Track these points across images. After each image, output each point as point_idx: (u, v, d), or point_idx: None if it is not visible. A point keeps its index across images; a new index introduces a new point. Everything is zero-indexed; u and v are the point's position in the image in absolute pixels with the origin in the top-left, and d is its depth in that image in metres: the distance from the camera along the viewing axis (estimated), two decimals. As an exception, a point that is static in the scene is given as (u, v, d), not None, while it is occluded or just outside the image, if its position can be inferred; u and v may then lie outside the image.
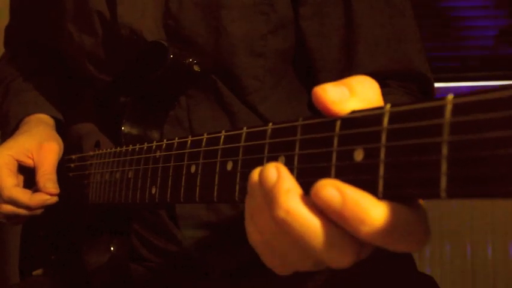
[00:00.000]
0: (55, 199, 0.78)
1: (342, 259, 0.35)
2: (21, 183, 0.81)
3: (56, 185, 0.78)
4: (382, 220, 0.32)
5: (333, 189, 0.33)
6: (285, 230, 0.36)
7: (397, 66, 0.72)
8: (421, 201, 0.35)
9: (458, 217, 1.73)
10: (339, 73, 0.73)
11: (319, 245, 0.35)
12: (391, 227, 0.32)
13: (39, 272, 0.89)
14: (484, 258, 1.71)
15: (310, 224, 0.35)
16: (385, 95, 0.39)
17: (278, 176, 0.37)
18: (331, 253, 0.35)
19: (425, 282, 0.74)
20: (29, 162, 0.80)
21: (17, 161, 0.80)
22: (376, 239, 0.33)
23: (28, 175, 0.81)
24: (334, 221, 0.34)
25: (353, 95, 0.36)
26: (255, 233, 0.40)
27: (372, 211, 0.32)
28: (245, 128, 0.45)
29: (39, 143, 0.80)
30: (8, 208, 0.77)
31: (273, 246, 0.39)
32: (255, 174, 0.39)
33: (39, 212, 0.79)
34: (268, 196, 0.37)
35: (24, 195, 0.77)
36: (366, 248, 0.35)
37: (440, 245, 1.74)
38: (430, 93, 0.75)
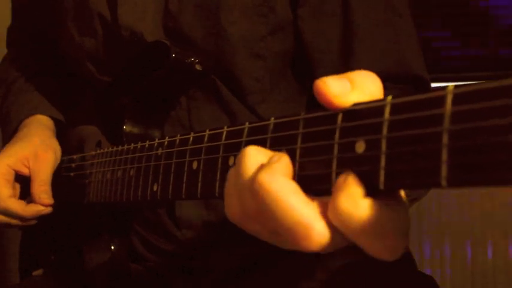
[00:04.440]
0: (49, 210, 0.79)
1: (309, 240, 0.34)
2: (18, 192, 0.82)
3: (50, 196, 0.79)
4: (364, 216, 0.32)
5: None
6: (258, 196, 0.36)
7: (395, 68, 0.72)
8: (405, 200, 0.35)
9: (458, 217, 1.73)
10: (337, 73, 0.73)
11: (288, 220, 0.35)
12: (368, 223, 0.32)
13: (39, 272, 0.90)
14: (484, 258, 1.71)
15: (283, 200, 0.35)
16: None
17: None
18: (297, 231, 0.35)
19: (425, 282, 0.74)
20: (25, 171, 0.81)
21: (14, 170, 0.81)
22: (348, 233, 0.33)
23: (24, 183, 0.82)
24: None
25: (354, 88, 0.36)
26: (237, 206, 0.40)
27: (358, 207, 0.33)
28: (247, 123, 0.45)
29: (36, 152, 0.81)
30: (1, 218, 0.79)
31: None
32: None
33: (32, 222, 0.80)
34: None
35: (18, 206, 0.78)
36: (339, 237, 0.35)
37: (440, 245, 1.74)
38: None
